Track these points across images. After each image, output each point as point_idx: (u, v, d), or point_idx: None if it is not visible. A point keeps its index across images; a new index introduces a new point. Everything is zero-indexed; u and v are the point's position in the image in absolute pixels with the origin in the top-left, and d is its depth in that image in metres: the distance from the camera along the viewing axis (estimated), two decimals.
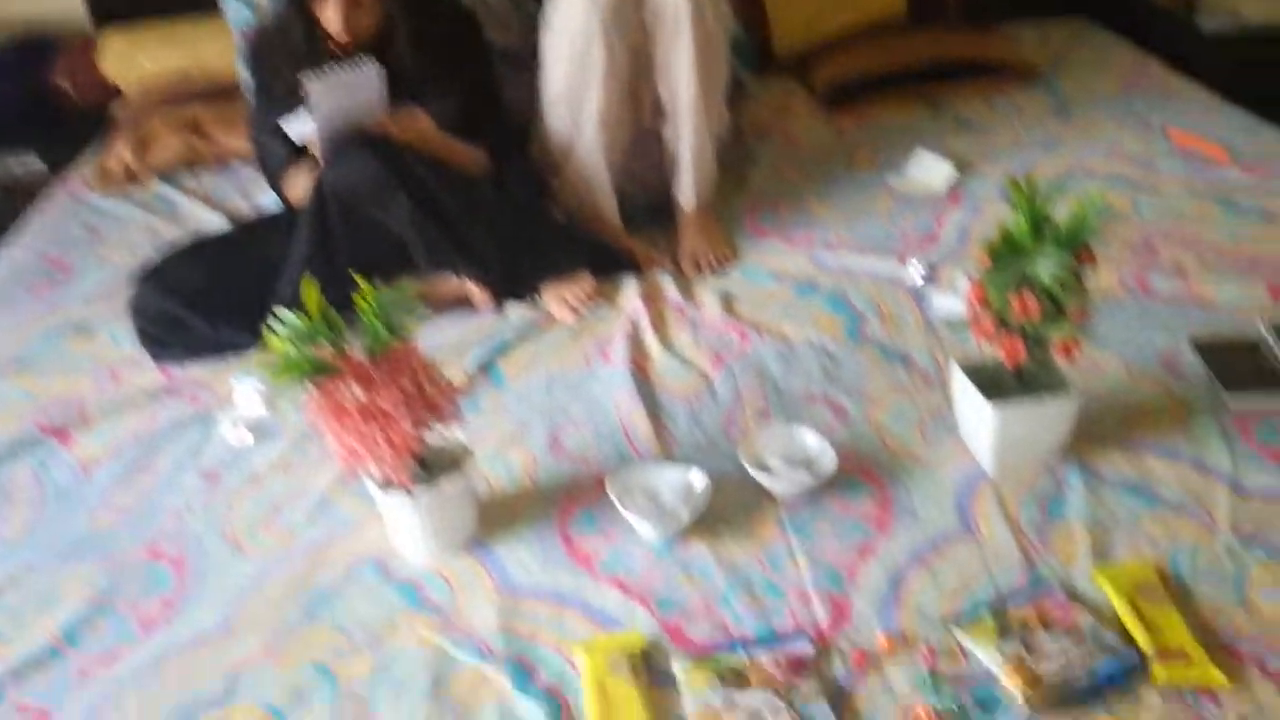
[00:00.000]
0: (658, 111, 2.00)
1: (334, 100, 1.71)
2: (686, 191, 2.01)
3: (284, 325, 1.22)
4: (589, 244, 2.01)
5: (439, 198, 1.77)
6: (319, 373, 1.22)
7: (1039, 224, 1.28)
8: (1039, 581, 1.20)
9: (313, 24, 1.81)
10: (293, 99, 1.76)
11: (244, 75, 2.05)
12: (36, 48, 2.72)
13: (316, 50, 1.82)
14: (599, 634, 1.20)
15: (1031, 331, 1.29)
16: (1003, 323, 1.31)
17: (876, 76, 2.53)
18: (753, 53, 2.57)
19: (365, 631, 1.24)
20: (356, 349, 1.24)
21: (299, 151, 1.85)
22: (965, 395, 1.38)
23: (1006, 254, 1.29)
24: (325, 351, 1.23)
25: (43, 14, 2.83)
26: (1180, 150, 2.18)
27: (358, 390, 1.22)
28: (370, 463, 1.26)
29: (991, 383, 1.36)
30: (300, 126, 1.74)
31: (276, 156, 1.91)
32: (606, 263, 1.97)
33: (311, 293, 1.22)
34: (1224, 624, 1.13)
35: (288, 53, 1.83)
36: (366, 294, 1.23)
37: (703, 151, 1.99)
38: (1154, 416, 1.45)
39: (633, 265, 1.99)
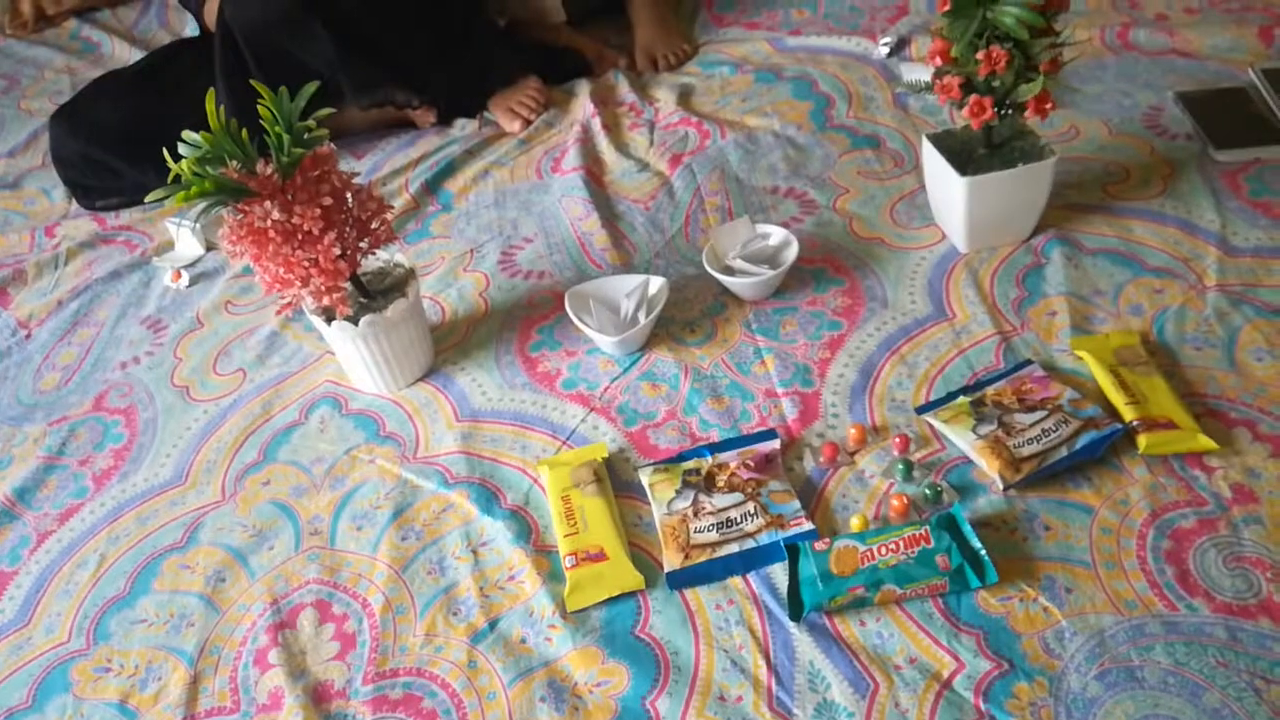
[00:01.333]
0: None
1: None
2: None
3: (187, 146, 1.13)
4: (534, 48, 1.88)
5: (364, 27, 1.61)
6: (226, 193, 1.12)
7: None
8: (1016, 360, 1.14)
9: None
10: None
11: None
12: None
13: None
14: (563, 451, 1.16)
15: (1000, 88, 1.19)
16: (968, 82, 1.20)
17: None
18: None
19: (324, 467, 1.20)
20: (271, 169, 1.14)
21: None
22: (935, 170, 1.29)
23: (967, 1, 1.16)
24: (233, 171, 1.13)
25: None
26: None
27: (275, 210, 1.13)
28: (302, 290, 1.18)
29: (963, 152, 1.26)
30: None
31: None
32: (555, 66, 1.85)
33: (213, 109, 1.11)
34: (1212, 388, 1.07)
35: None
36: (268, 100, 1.12)
37: None
38: (1138, 178, 1.36)
39: (583, 67, 1.86)
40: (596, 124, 1.68)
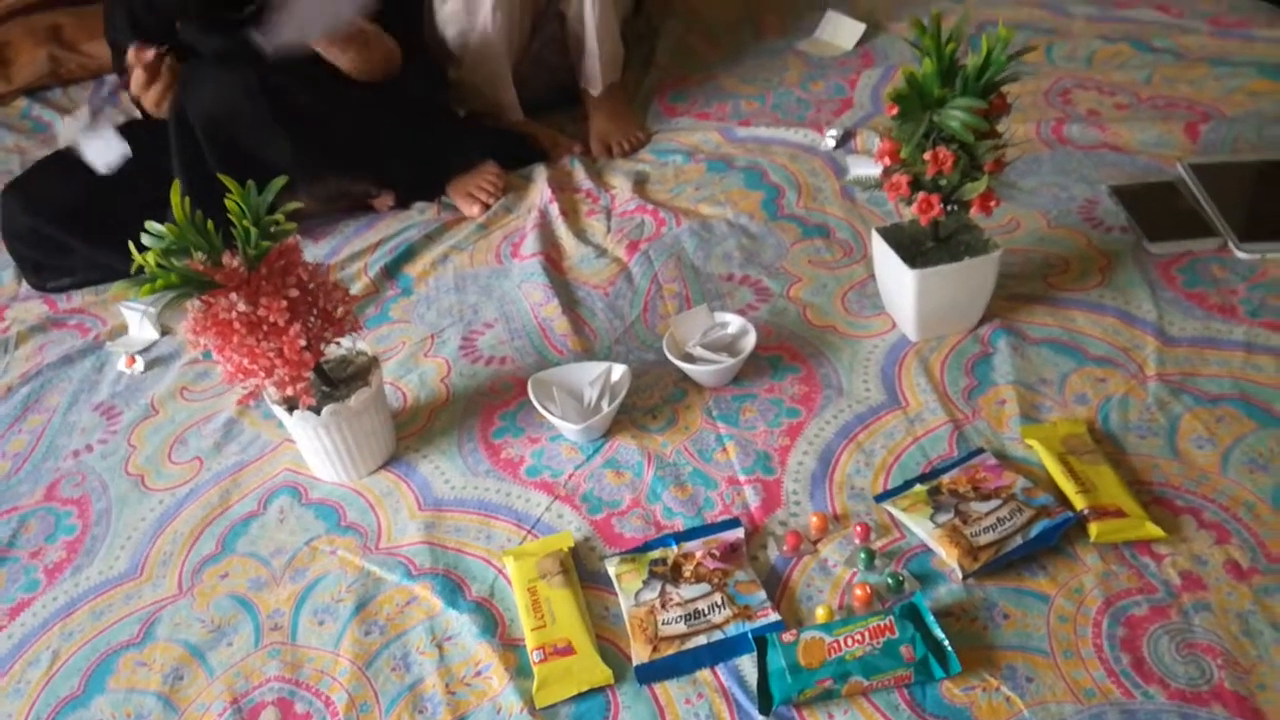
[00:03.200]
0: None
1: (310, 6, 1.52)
2: (592, 74, 1.92)
3: (152, 237, 1.13)
4: (492, 134, 1.92)
5: (319, 117, 1.63)
6: (192, 285, 1.13)
7: (946, 68, 1.21)
8: (969, 448, 1.18)
9: None
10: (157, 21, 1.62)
11: None
12: None
13: None
14: (528, 541, 1.16)
15: (947, 186, 1.24)
16: (916, 180, 1.25)
17: None
18: None
19: (284, 559, 1.18)
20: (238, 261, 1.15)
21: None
22: (885, 262, 1.33)
23: (914, 102, 1.22)
24: (199, 263, 1.14)
25: None
26: None
27: (240, 302, 1.14)
28: (265, 381, 1.18)
29: (912, 245, 1.31)
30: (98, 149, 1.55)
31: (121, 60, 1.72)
32: (511, 152, 1.88)
33: (178, 202, 1.12)
34: (1158, 476, 1.11)
35: None
36: (235, 194, 1.13)
37: (607, 30, 1.89)
38: (1077, 269, 1.42)
39: (540, 153, 1.90)
40: (554, 210, 1.71)
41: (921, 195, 1.23)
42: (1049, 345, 1.30)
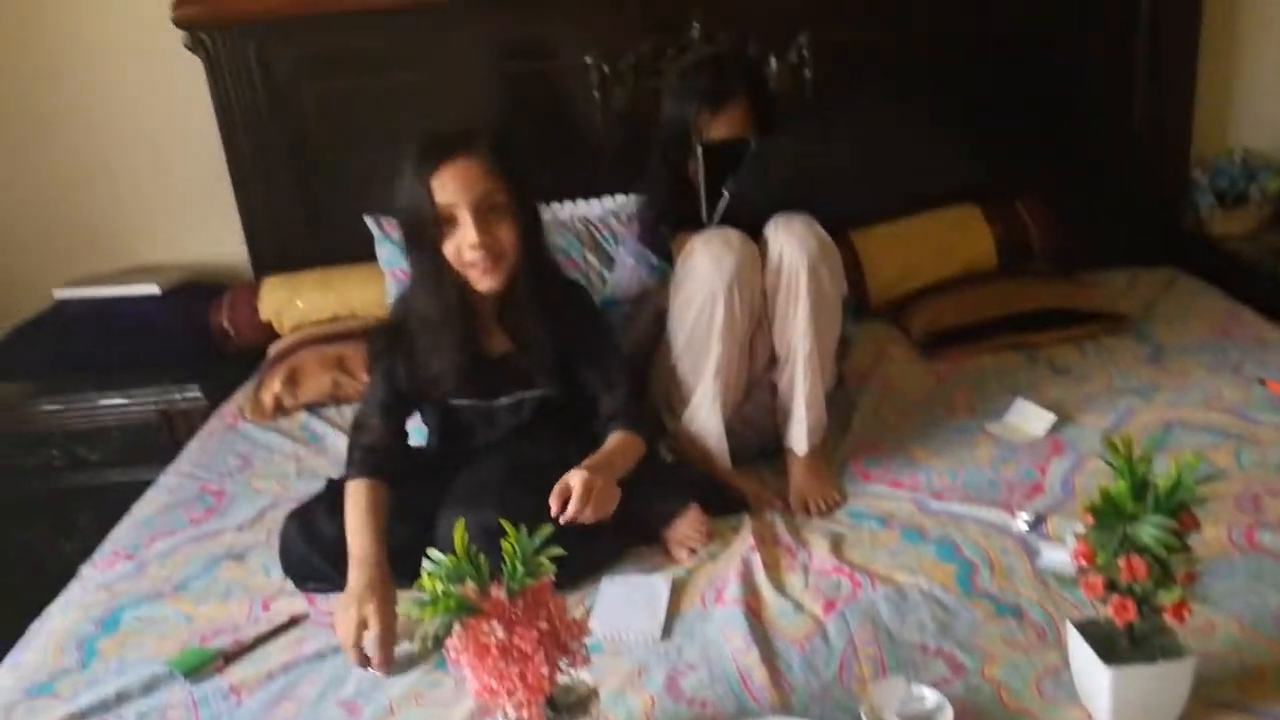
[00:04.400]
0: (771, 361, 2.15)
1: (619, 598, 1.78)
2: (798, 437, 2.13)
3: (435, 565, 1.35)
4: (698, 481, 2.12)
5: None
6: (465, 611, 1.33)
7: (1138, 486, 1.35)
8: None
9: (456, 292, 1.94)
10: (415, 390, 1.96)
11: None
12: (203, 290, 3.04)
13: (464, 325, 1.96)
14: None
15: (1141, 592, 1.34)
16: (1111, 583, 1.36)
17: (971, 325, 2.66)
18: (851, 303, 2.74)
19: None
20: (497, 591, 1.35)
21: (374, 462, 1.94)
22: (1080, 655, 1.41)
23: (1108, 515, 1.35)
24: (470, 591, 1.34)
25: (209, 259, 3.18)
26: (1278, 401, 2.23)
27: (499, 629, 1.32)
28: (505, 701, 1.34)
29: (1107, 642, 1.39)
30: None
31: (354, 454, 1.97)
32: (715, 500, 2.07)
33: (460, 538, 1.35)
34: None
35: (431, 336, 1.96)
36: (510, 536, 1.35)
37: (816, 401, 2.11)
38: (1272, 679, 1.45)
39: (742, 504, 2.09)
40: (756, 560, 1.87)
41: (1116, 598, 1.33)
42: None
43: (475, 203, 1.88)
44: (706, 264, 2.03)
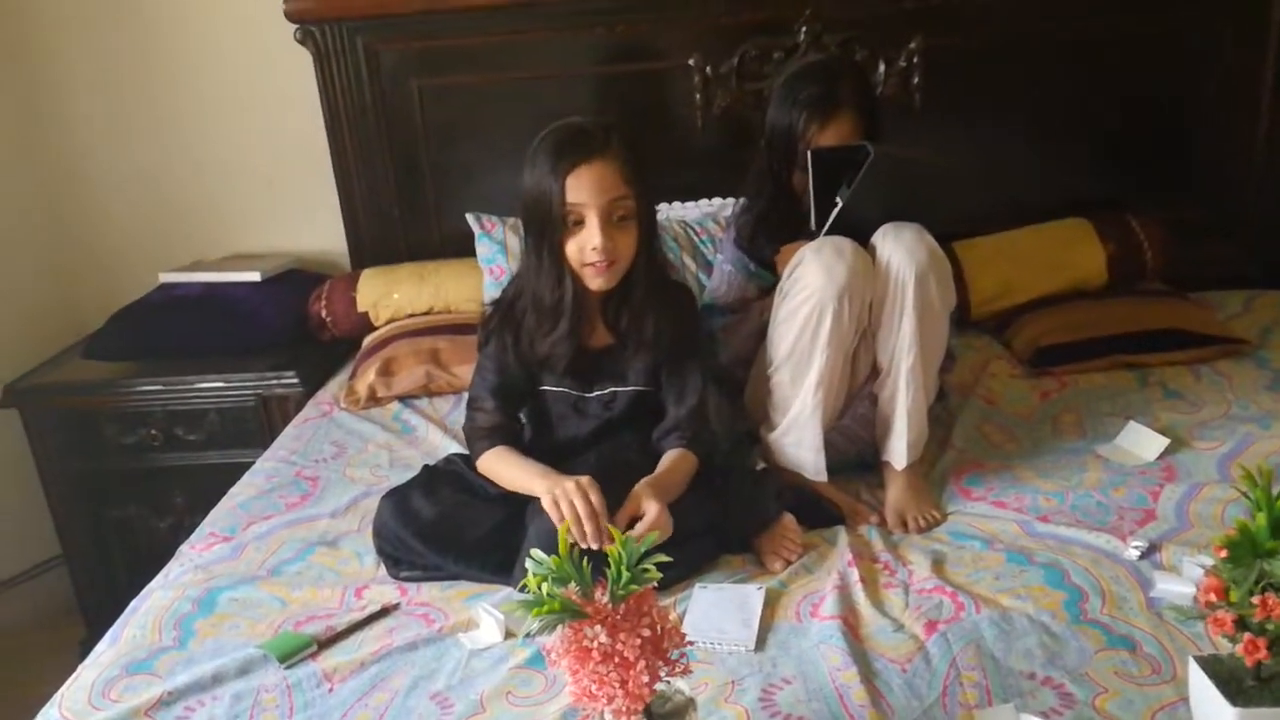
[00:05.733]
0: (873, 373, 2.10)
1: (712, 606, 1.77)
2: (898, 451, 2.08)
3: (539, 565, 1.34)
4: (791, 491, 2.08)
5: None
6: (569, 613, 1.31)
7: (1277, 520, 1.28)
8: None
9: (568, 287, 1.95)
10: (521, 372, 1.99)
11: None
12: (303, 279, 3.09)
13: (575, 315, 1.96)
14: None
15: (1274, 631, 1.27)
16: (1242, 620, 1.29)
17: (1079, 342, 2.58)
18: (954, 314, 2.67)
19: None
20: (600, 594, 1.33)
21: (497, 439, 2.01)
22: (1203, 692, 1.35)
23: (1244, 550, 1.29)
24: (574, 594, 1.33)
25: (310, 250, 3.24)
26: None
27: (603, 634, 1.30)
28: (604, 706, 1.32)
29: (1231, 680, 1.32)
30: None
31: (478, 433, 2.04)
32: (808, 511, 2.03)
33: (564, 539, 1.34)
34: None
35: (540, 320, 1.98)
36: (617, 541, 1.34)
37: (918, 415, 2.06)
38: None
39: (836, 517, 2.04)
40: (854, 575, 1.82)
41: (1247, 637, 1.26)
42: None
43: (605, 207, 1.89)
44: (818, 273, 1.98)
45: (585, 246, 1.91)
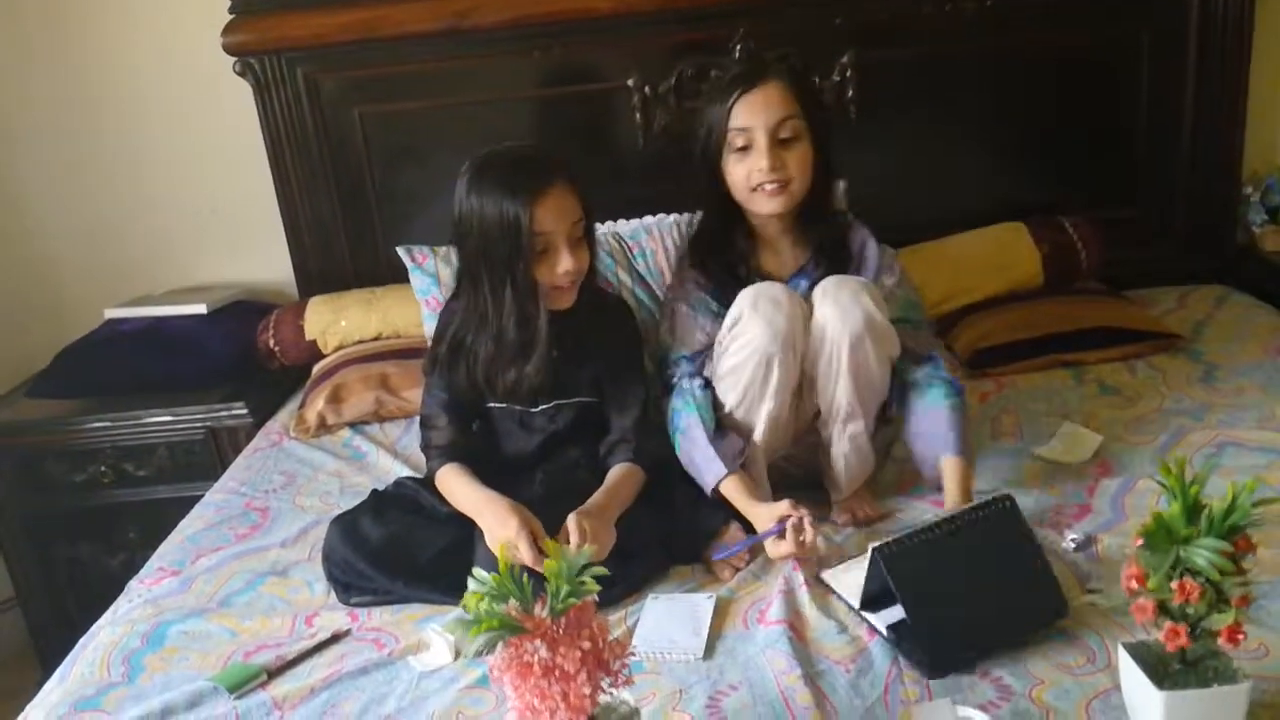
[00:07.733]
0: (817, 414, 2.09)
1: (663, 616, 1.79)
2: (838, 485, 2.10)
3: (480, 584, 1.35)
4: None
5: None
6: (508, 629, 1.33)
7: (1192, 508, 1.32)
8: None
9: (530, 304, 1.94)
10: (471, 392, 2.01)
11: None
12: (249, 310, 3.09)
13: (548, 340, 1.95)
14: None
15: (1194, 615, 1.31)
16: (1163, 607, 1.33)
17: (1018, 343, 2.63)
18: None
19: None
20: (540, 610, 1.35)
21: (452, 454, 2.03)
22: (1132, 678, 1.38)
23: (1160, 538, 1.33)
24: (514, 610, 1.34)
25: (256, 280, 3.24)
26: None
27: (543, 649, 1.32)
28: None
29: (1159, 665, 1.36)
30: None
31: (432, 451, 2.07)
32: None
33: (503, 556, 1.35)
34: None
35: (502, 352, 1.98)
36: (555, 556, 1.35)
37: (859, 455, 2.07)
38: None
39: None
40: (798, 578, 1.85)
41: (1169, 625, 1.30)
42: None
43: (569, 230, 1.93)
44: (759, 327, 1.96)
45: (555, 271, 1.94)
